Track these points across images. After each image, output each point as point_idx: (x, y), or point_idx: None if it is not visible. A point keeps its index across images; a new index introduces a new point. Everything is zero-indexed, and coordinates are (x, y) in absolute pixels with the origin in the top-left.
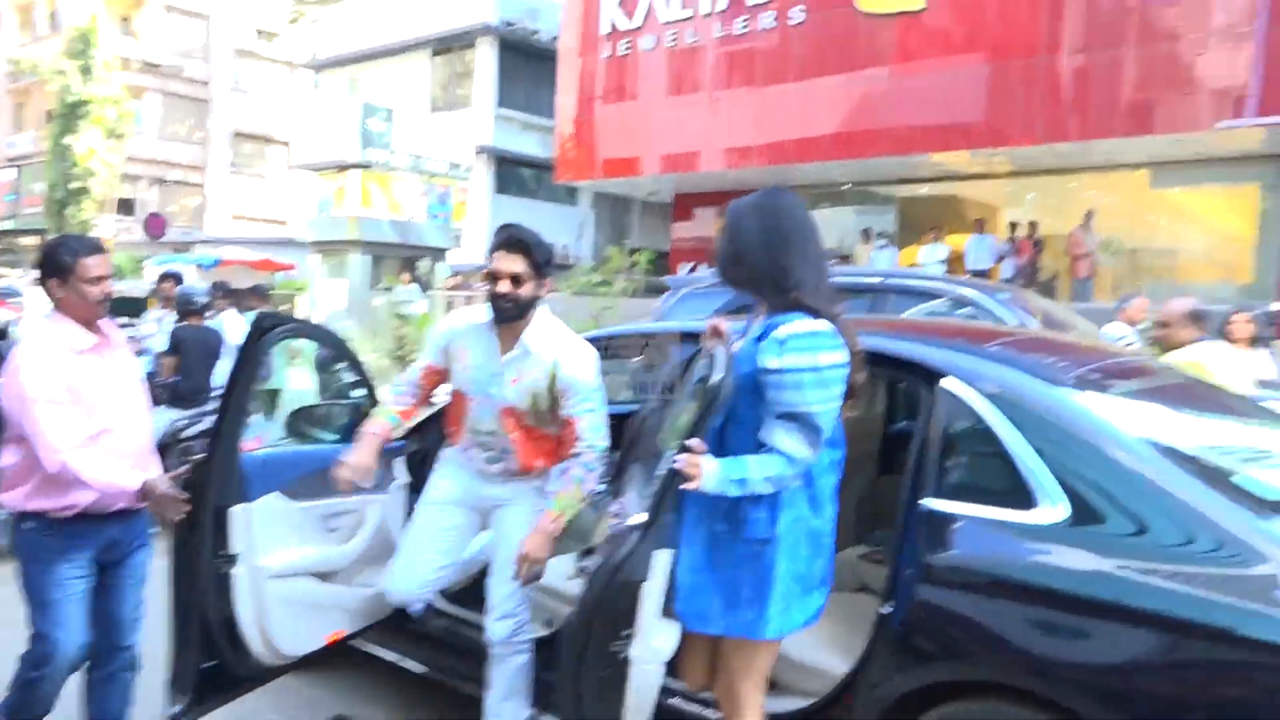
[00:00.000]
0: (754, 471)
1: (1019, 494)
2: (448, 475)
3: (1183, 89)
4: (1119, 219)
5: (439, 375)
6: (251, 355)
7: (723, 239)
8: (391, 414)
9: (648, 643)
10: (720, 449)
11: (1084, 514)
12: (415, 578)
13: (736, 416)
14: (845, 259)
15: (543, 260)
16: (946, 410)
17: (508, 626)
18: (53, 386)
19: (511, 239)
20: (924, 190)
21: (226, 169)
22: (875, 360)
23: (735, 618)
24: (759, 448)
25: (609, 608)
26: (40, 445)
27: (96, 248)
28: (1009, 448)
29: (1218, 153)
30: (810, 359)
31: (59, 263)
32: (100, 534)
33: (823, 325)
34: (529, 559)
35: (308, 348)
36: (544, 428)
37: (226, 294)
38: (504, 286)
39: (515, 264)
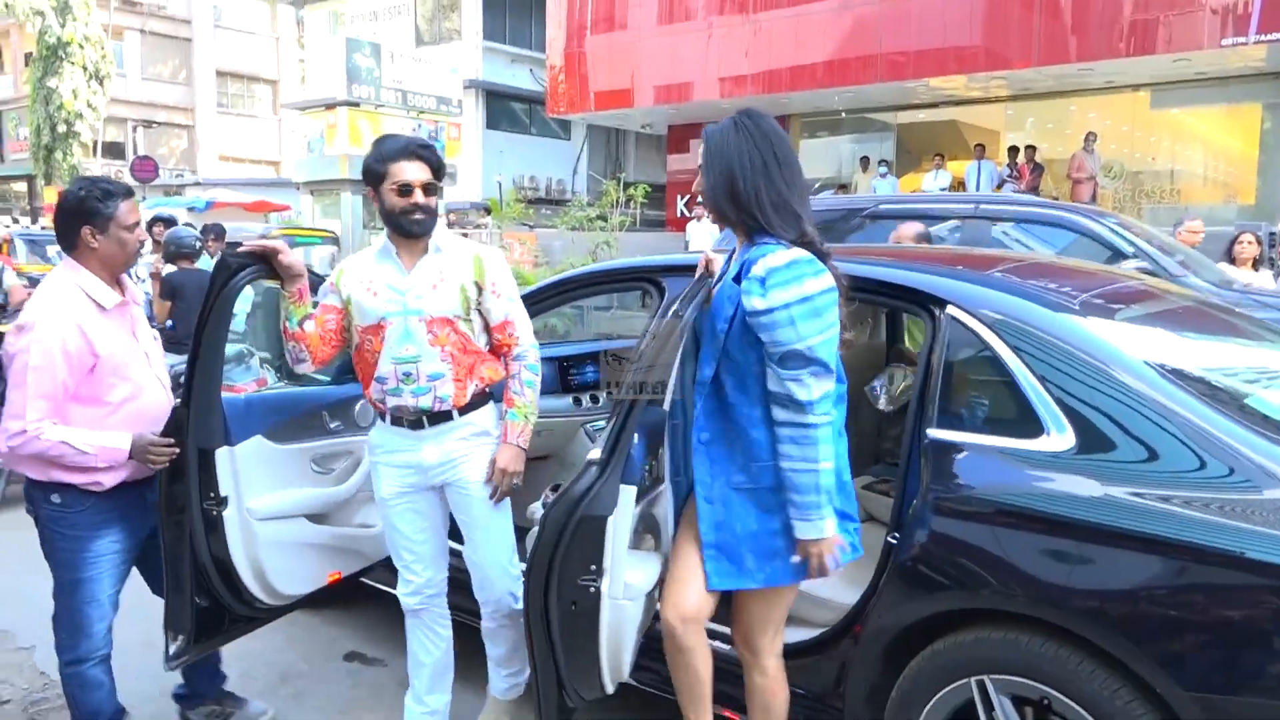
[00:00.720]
0: (811, 470)
1: (1025, 423)
2: (383, 463)
3: (1184, 7)
4: (1119, 142)
5: (339, 314)
6: (219, 296)
7: (704, 165)
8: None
9: (619, 578)
10: (718, 399)
11: (1090, 441)
12: (425, 577)
13: (730, 361)
14: (844, 188)
15: (442, 169)
16: (950, 339)
17: (517, 587)
18: (57, 356)
19: (411, 145)
20: (922, 116)
21: (214, 110)
22: (876, 289)
23: (774, 569)
24: (761, 391)
25: (575, 542)
26: (7, 415)
27: (129, 191)
28: (1013, 376)
29: (1219, 72)
30: (797, 290)
31: (93, 209)
32: (133, 509)
33: (800, 253)
34: (506, 473)
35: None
36: (473, 337)
37: (218, 236)
38: (419, 196)
39: (424, 172)
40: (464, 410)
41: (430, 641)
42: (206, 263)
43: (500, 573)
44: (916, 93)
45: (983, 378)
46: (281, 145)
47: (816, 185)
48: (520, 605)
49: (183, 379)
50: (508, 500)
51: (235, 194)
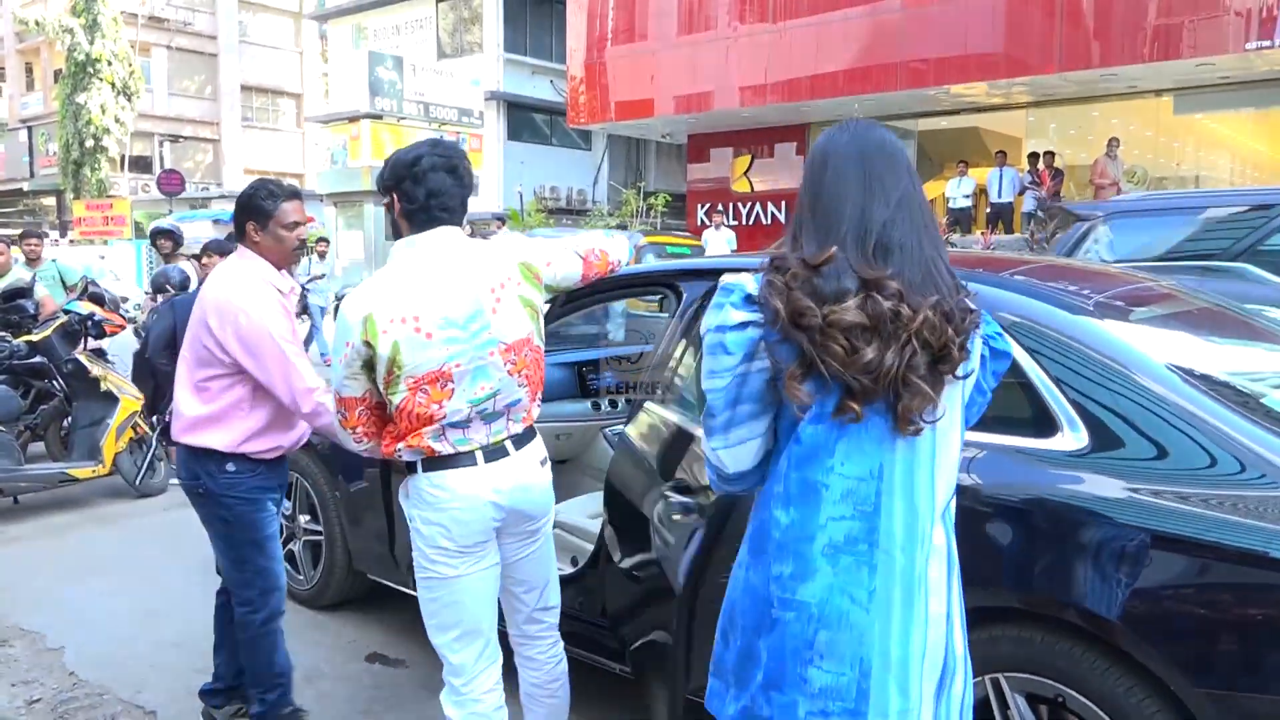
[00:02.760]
0: None
1: (1039, 423)
2: (449, 518)
3: (1208, 11)
4: (1142, 147)
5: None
6: None
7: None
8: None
9: None
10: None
11: (1105, 440)
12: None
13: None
14: None
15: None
16: None
17: (556, 636)
18: (285, 325)
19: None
20: (943, 123)
21: (238, 123)
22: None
23: None
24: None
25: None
26: (295, 384)
27: (294, 193)
28: (1029, 377)
29: (1244, 76)
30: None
31: (258, 207)
32: (285, 474)
33: (737, 279)
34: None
35: None
36: (541, 342)
37: (222, 254)
38: None
39: None
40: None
41: (533, 697)
42: None
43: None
44: (938, 100)
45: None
46: (305, 158)
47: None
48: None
49: None
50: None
51: None
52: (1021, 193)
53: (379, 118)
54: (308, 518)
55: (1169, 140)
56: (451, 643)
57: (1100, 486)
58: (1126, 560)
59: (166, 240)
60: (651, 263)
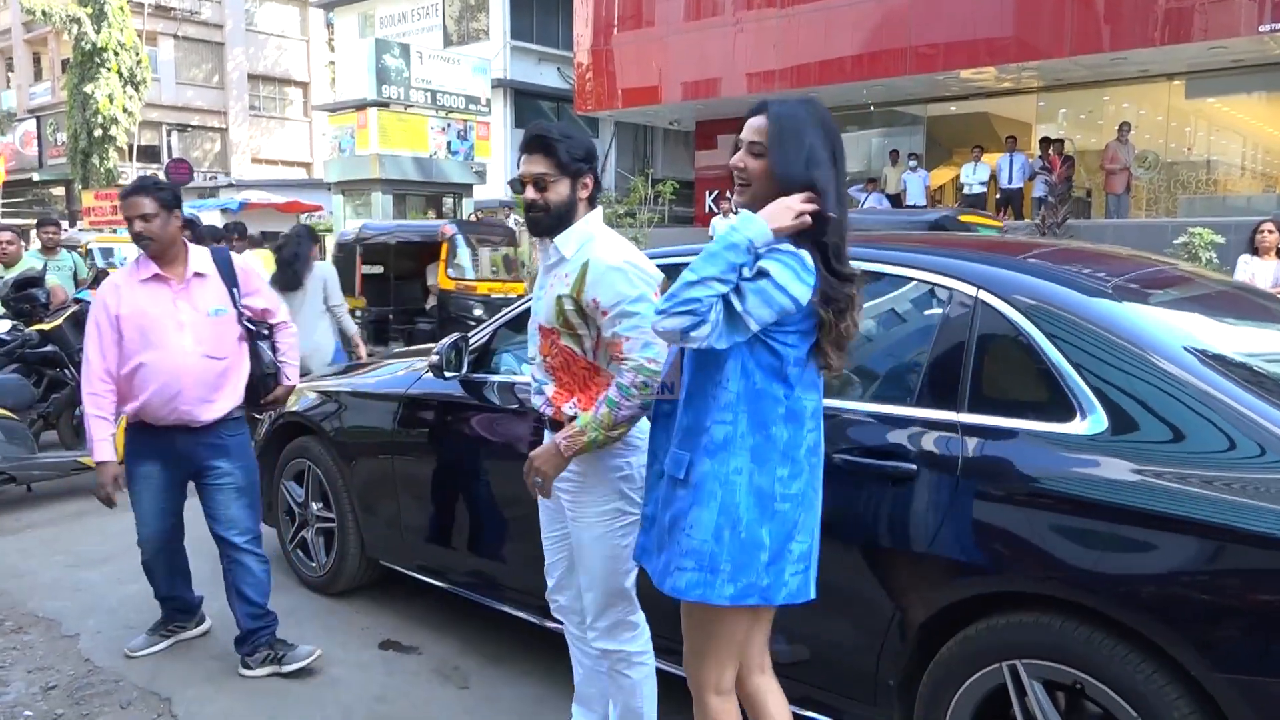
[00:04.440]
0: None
1: (1058, 406)
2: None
3: None
4: (1154, 132)
5: None
6: None
7: (775, 141)
8: None
9: None
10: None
11: (1123, 423)
12: (557, 598)
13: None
14: (873, 182)
15: (570, 157)
16: (982, 324)
17: (598, 634)
18: (102, 311)
19: (530, 137)
20: (953, 109)
21: (246, 112)
22: (907, 275)
23: (690, 580)
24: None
25: None
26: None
27: (128, 191)
28: (1047, 360)
29: (1257, 59)
30: (781, 272)
31: None
32: (162, 442)
33: (806, 255)
34: (535, 470)
35: None
36: (582, 352)
37: (242, 235)
38: (530, 193)
39: (536, 164)
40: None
41: (575, 658)
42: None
43: (588, 605)
44: (947, 85)
45: (1016, 363)
46: (313, 146)
47: (846, 180)
48: (601, 651)
49: None
50: (606, 529)
51: (268, 195)
52: (1031, 178)
53: (386, 106)
54: (320, 504)
55: (1180, 125)
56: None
57: (1119, 470)
58: (1146, 544)
59: (185, 228)
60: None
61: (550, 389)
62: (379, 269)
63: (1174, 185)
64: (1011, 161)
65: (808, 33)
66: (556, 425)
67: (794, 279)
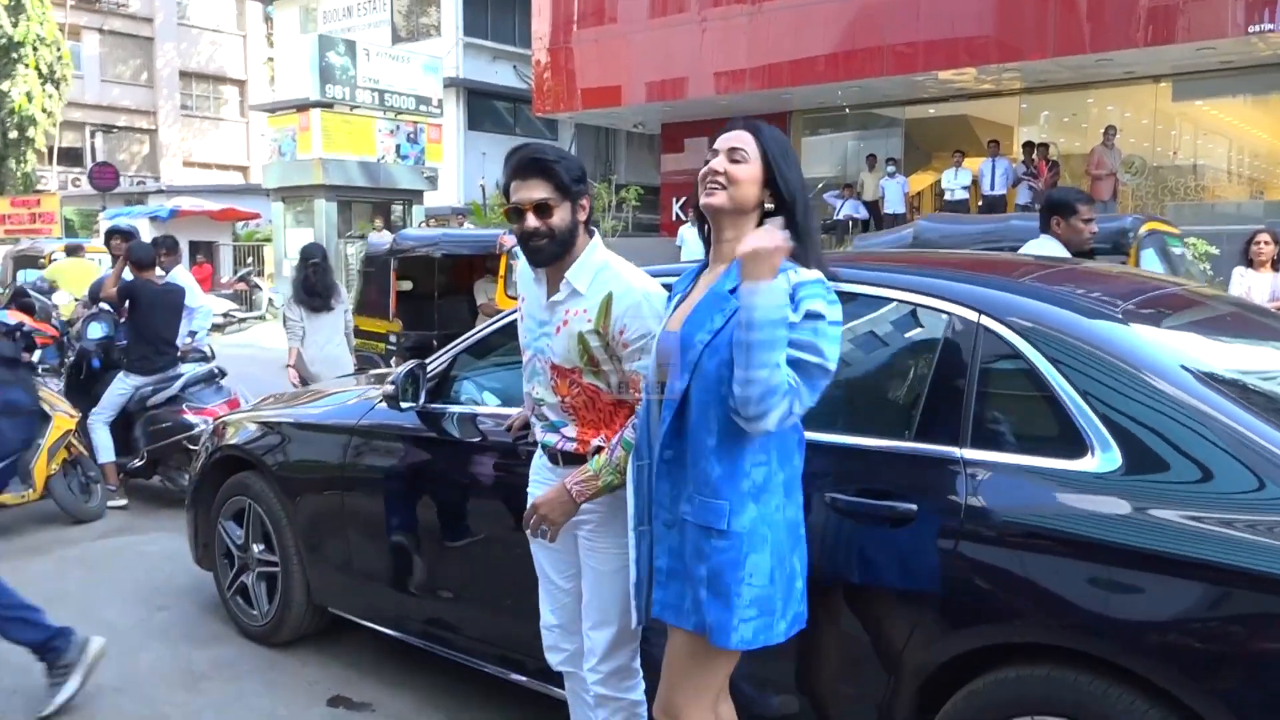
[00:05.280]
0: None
1: (1067, 441)
2: (529, 491)
3: None
4: (1140, 135)
5: None
6: None
7: (779, 163)
8: None
9: None
10: (682, 419)
11: (1138, 461)
12: (564, 647)
13: (702, 378)
14: (849, 188)
15: (570, 178)
16: (982, 351)
17: (601, 678)
18: None
19: (525, 160)
20: (931, 111)
21: (177, 113)
22: (901, 298)
23: (700, 618)
24: (720, 422)
25: None
26: None
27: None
28: (1053, 390)
29: (1245, 61)
30: (825, 307)
31: None
32: None
33: (820, 275)
34: (543, 518)
35: None
36: (608, 388)
37: (171, 250)
38: (530, 221)
39: (535, 189)
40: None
41: (578, 715)
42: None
43: (593, 645)
44: (925, 86)
45: (1020, 393)
46: (250, 150)
47: (819, 186)
48: (600, 694)
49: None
50: (618, 565)
51: (201, 201)
52: (1015, 184)
53: (330, 106)
54: (262, 546)
55: (1166, 128)
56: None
57: (1135, 512)
58: (1168, 592)
59: (121, 240)
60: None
61: (572, 429)
62: (416, 285)
63: (1161, 191)
64: (994, 167)
65: (778, 30)
66: (571, 459)
67: (836, 306)
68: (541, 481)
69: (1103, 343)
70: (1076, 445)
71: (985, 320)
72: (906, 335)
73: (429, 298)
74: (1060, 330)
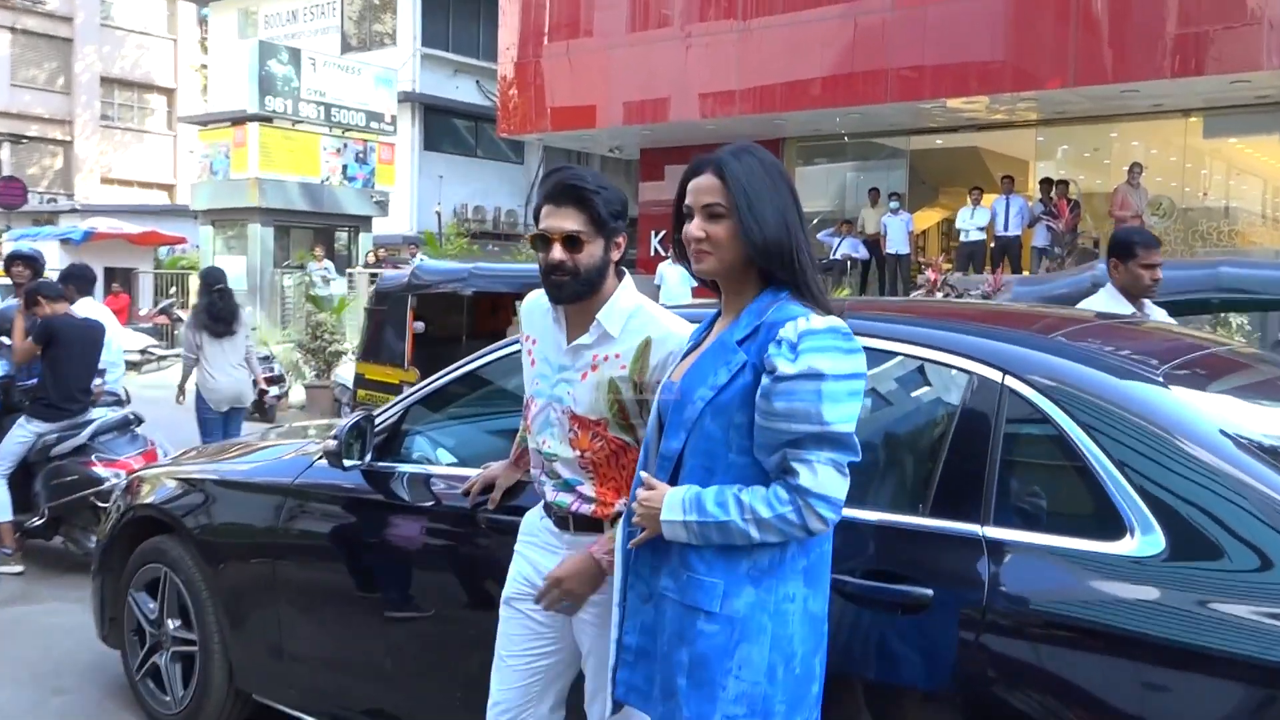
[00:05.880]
0: (734, 510)
1: (1103, 520)
2: (519, 553)
3: (1240, 20)
4: (1166, 174)
5: None
6: None
7: (742, 201)
8: (523, 434)
9: None
10: (676, 482)
11: (1185, 544)
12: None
13: (703, 438)
14: (848, 224)
15: (608, 212)
16: (1007, 415)
17: None
18: None
19: (561, 185)
20: (939, 142)
21: (96, 123)
22: (917, 354)
23: (668, 710)
24: (726, 477)
25: None
26: None
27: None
28: (1088, 462)
29: None
30: (834, 363)
31: None
32: None
33: (839, 322)
34: (559, 584)
35: None
36: (635, 442)
37: (84, 288)
38: (556, 253)
39: (567, 219)
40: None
41: None
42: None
43: (593, 714)
44: (932, 115)
45: (1049, 463)
46: (177, 166)
47: (814, 221)
48: None
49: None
50: None
51: (120, 223)
52: (1031, 224)
53: (269, 120)
54: (178, 622)
55: (1196, 167)
56: None
57: (1183, 603)
58: (1221, 696)
59: (24, 267)
60: None
61: (590, 488)
62: (438, 327)
63: (1191, 236)
64: (1008, 205)
65: (770, 50)
66: (584, 525)
67: (852, 359)
68: (540, 547)
69: (1142, 408)
70: (1113, 525)
71: (1010, 381)
72: (920, 396)
73: (453, 342)
74: (1094, 393)
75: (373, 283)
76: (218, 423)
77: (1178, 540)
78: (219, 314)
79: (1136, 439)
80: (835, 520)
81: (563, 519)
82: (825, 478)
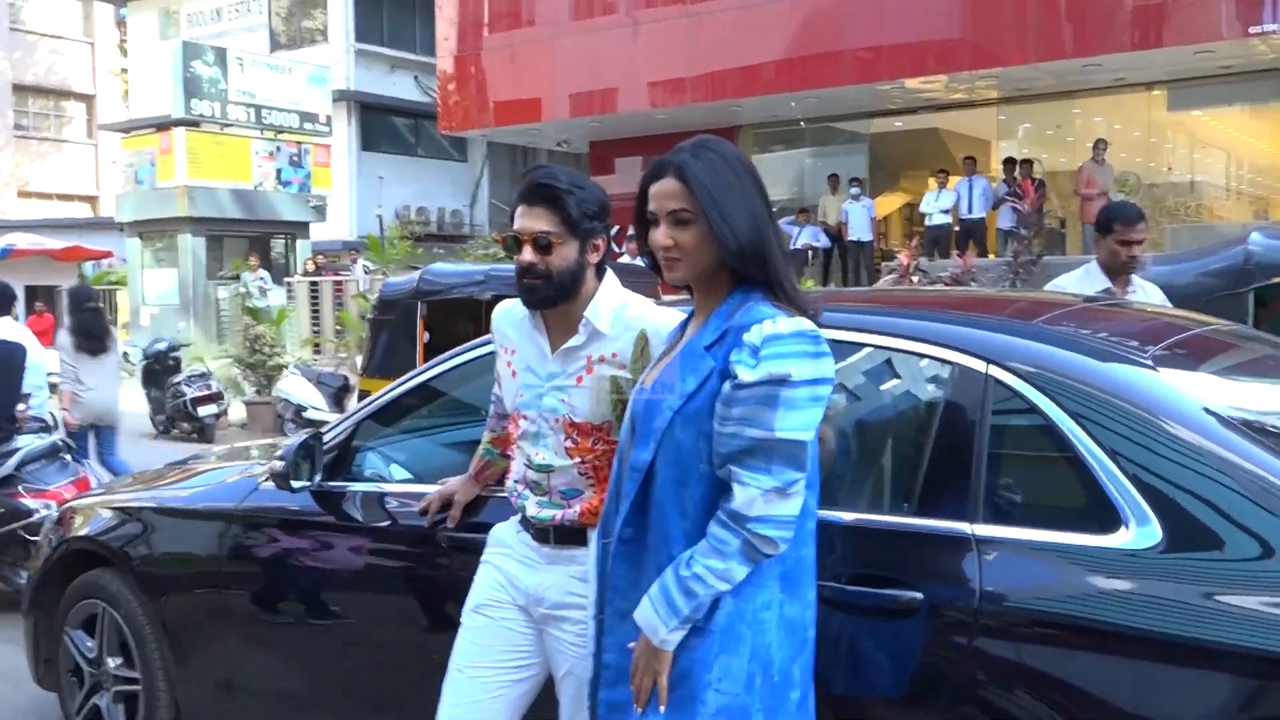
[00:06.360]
0: (709, 588)
1: (1096, 513)
2: (489, 563)
3: None
4: (1131, 149)
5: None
6: None
7: (707, 203)
8: (485, 447)
9: None
10: (646, 492)
11: (1184, 535)
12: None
13: (674, 448)
14: (805, 212)
15: (582, 212)
16: (993, 407)
17: None
18: None
19: (532, 185)
20: (898, 124)
21: (10, 133)
22: (896, 344)
23: None
24: (696, 502)
25: None
26: None
27: None
28: (1078, 452)
29: (1246, 66)
30: (794, 367)
31: None
32: None
33: (807, 324)
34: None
35: None
36: None
37: (3, 307)
38: (527, 254)
39: (537, 219)
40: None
41: None
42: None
43: None
44: (890, 96)
45: (1039, 455)
46: (99, 176)
47: (774, 210)
48: None
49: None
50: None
51: (40, 239)
52: (996, 206)
53: (196, 125)
54: (119, 660)
55: (1160, 141)
56: None
57: (1184, 596)
58: (1226, 692)
59: None
60: None
61: (592, 497)
62: (449, 336)
63: (1159, 211)
64: (971, 187)
65: (722, 35)
66: (564, 537)
67: (818, 362)
68: (517, 560)
69: (1132, 393)
70: (1108, 517)
71: (995, 370)
72: (901, 390)
73: None
74: (1082, 380)
75: (314, 292)
76: (84, 438)
77: (1175, 530)
78: (91, 331)
79: (1128, 426)
80: (786, 538)
81: (543, 532)
82: (759, 498)
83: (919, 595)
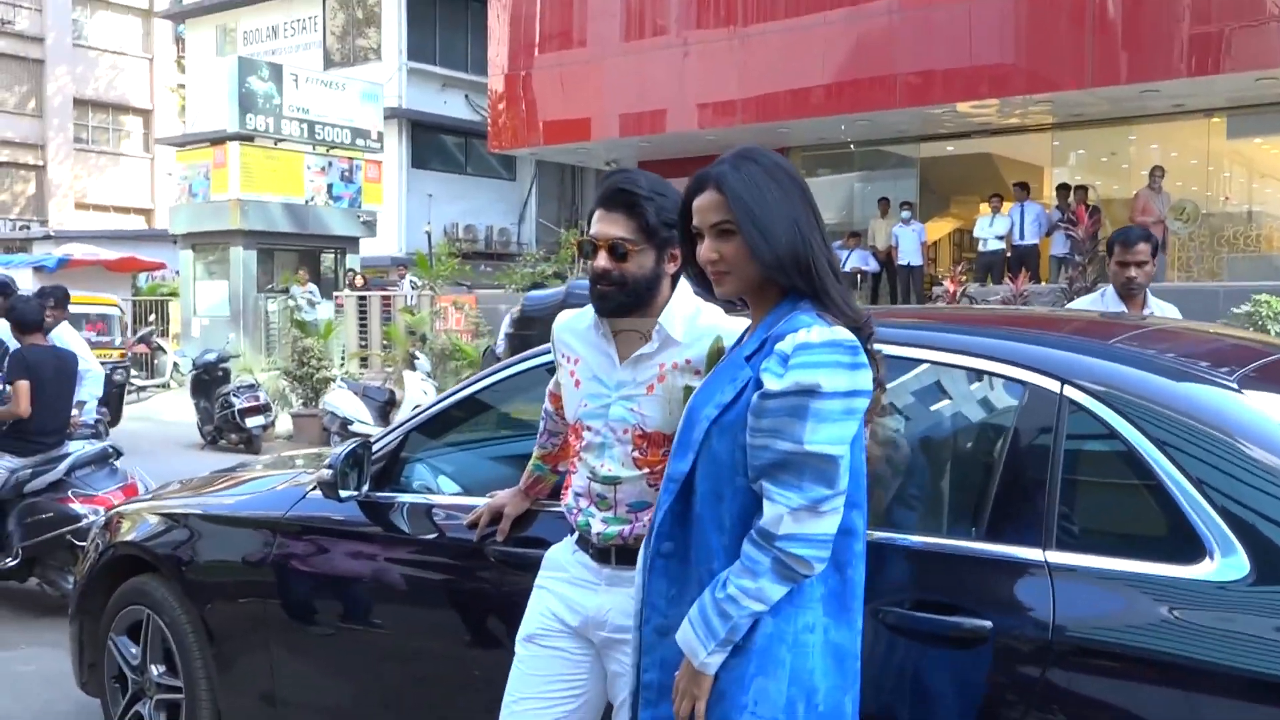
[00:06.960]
0: (744, 611)
1: (1177, 542)
2: (543, 588)
3: (1262, 16)
4: (1187, 178)
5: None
6: None
7: (742, 217)
8: (535, 462)
9: None
10: (685, 504)
11: (1274, 567)
12: None
13: (711, 460)
14: (855, 236)
15: (660, 220)
16: (1068, 429)
17: None
18: None
19: (610, 190)
20: (949, 149)
21: (70, 146)
22: (963, 363)
23: None
24: (734, 516)
25: None
26: None
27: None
28: (1160, 479)
29: None
30: (824, 378)
31: None
32: None
33: (843, 333)
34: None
35: None
36: None
37: (60, 304)
38: (601, 261)
39: (614, 225)
40: None
41: None
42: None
43: None
44: (941, 121)
45: (1116, 481)
46: (155, 189)
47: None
48: None
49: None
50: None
51: (96, 249)
52: (1050, 233)
53: (250, 139)
54: (163, 668)
55: (1218, 169)
56: None
57: (1273, 631)
58: None
59: None
60: None
61: (648, 513)
62: None
63: (1216, 241)
64: (1023, 213)
65: (772, 56)
66: (626, 555)
67: (854, 374)
68: (573, 582)
69: (1217, 418)
70: (1190, 546)
71: (1070, 391)
72: (969, 410)
73: None
74: (1163, 403)
75: (362, 307)
76: None
77: (1264, 562)
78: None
79: (1212, 451)
80: (821, 557)
81: (604, 552)
82: (788, 516)
83: (987, 624)
